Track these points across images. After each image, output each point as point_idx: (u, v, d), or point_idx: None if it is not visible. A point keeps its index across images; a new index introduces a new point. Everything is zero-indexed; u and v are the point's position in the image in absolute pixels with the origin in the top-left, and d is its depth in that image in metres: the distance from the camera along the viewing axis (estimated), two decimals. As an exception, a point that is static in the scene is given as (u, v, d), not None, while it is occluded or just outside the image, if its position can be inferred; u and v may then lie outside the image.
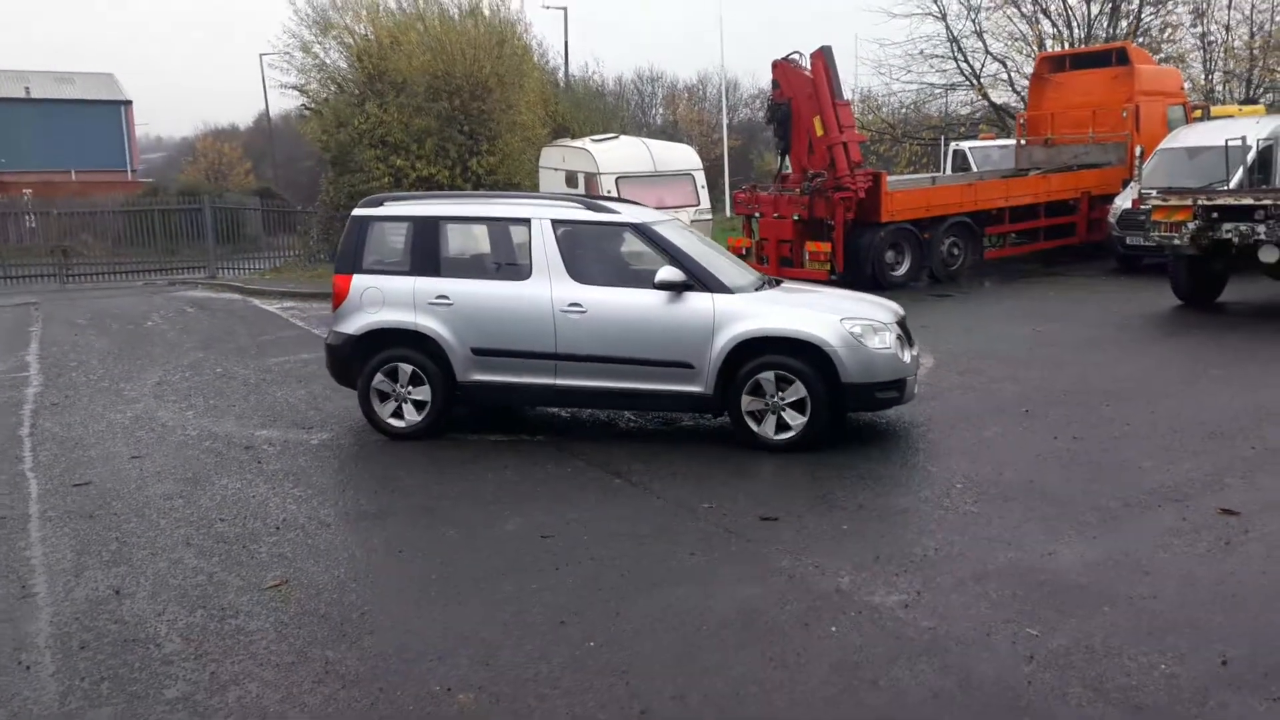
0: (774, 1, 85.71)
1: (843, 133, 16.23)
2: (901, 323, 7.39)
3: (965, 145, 24.00)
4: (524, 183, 23.55)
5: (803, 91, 16.67)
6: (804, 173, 16.92)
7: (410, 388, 7.55)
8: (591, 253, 7.53)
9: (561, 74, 34.79)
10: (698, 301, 7.08)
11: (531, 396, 7.68)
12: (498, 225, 7.78)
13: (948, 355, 10.29)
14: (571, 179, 20.78)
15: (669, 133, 43.86)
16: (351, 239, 7.85)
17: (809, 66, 16.49)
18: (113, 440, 7.88)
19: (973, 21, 29.92)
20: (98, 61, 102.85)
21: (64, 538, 5.64)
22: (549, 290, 7.28)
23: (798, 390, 6.92)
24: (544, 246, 7.37)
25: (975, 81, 30.77)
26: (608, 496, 6.26)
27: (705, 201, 20.24)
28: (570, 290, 7.26)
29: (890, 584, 4.77)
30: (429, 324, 7.44)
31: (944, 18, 29.75)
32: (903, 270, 16.85)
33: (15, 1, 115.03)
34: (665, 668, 4.04)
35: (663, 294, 7.09)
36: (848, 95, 17.42)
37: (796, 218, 16.68)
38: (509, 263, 7.61)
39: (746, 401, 7.01)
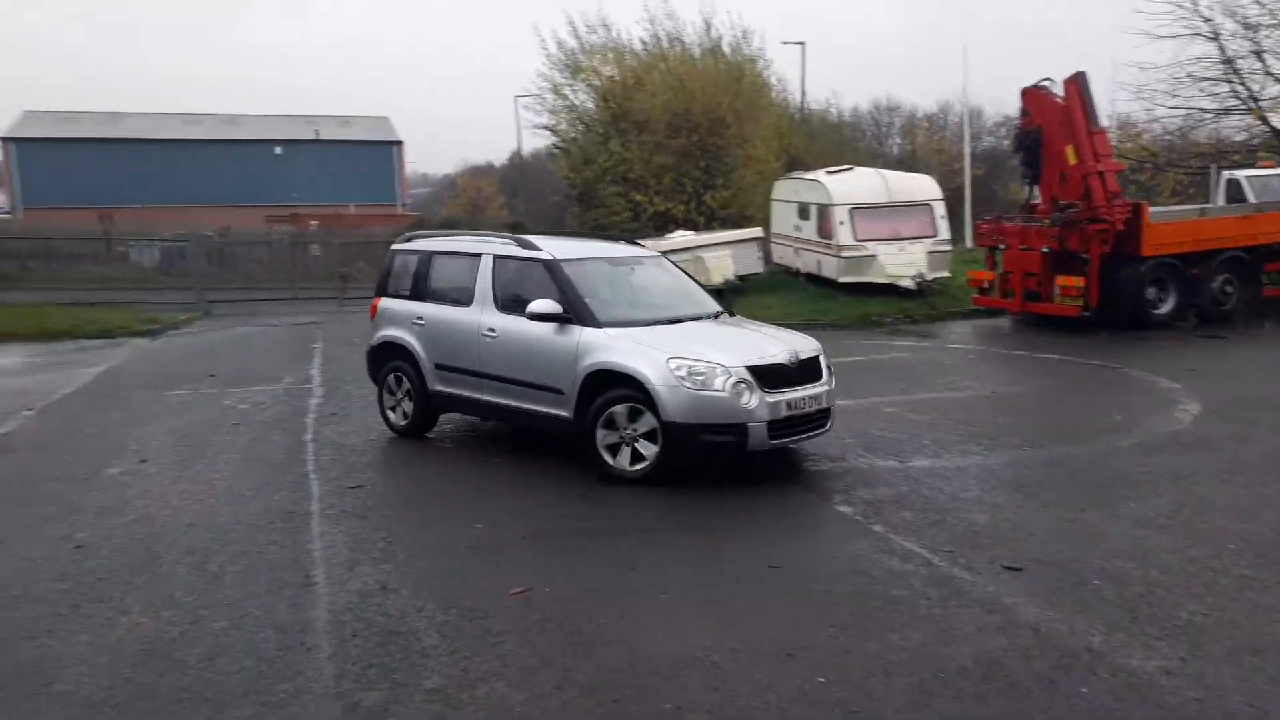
0: (1023, 27, 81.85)
1: (1099, 161, 15.30)
2: (761, 369, 7.09)
3: (1241, 174, 21.76)
4: (756, 215, 23.80)
5: (1054, 119, 15.86)
6: (1054, 203, 16.06)
7: (404, 394, 8.90)
8: (514, 285, 8.16)
9: (797, 107, 34.82)
10: (572, 333, 7.54)
11: (471, 408, 8.60)
12: (463, 259, 8.65)
13: (1218, 402, 9.39)
14: (804, 211, 20.76)
15: (906, 163, 42.78)
16: (384, 268, 9.44)
17: (1061, 93, 15.67)
18: (382, 448, 8.67)
19: (1250, 40, 27.21)
20: (375, 105, 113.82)
21: (340, 535, 6.27)
22: (479, 316, 8.20)
23: (649, 421, 7.07)
24: (484, 278, 8.29)
25: (1253, 105, 27.89)
26: (838, 530, 6.19)
27: (945, 233, 19.62)
28: (491, 317, 8.13)
29: (1149, 648, 4.41)
30: (409, 340, 8.78)
31: (1216, 38, 27.23)
32: (1166, 308, 15.59)
33: (309, 54, 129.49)
34: (897, 712, 3.95)
35: (551, 324, 7.58)
36: (1104, 122, 16.37)
37: (1045, 250, 15.86)
38: (462, 291, 8.48)
39: (602, 435, 7.27)
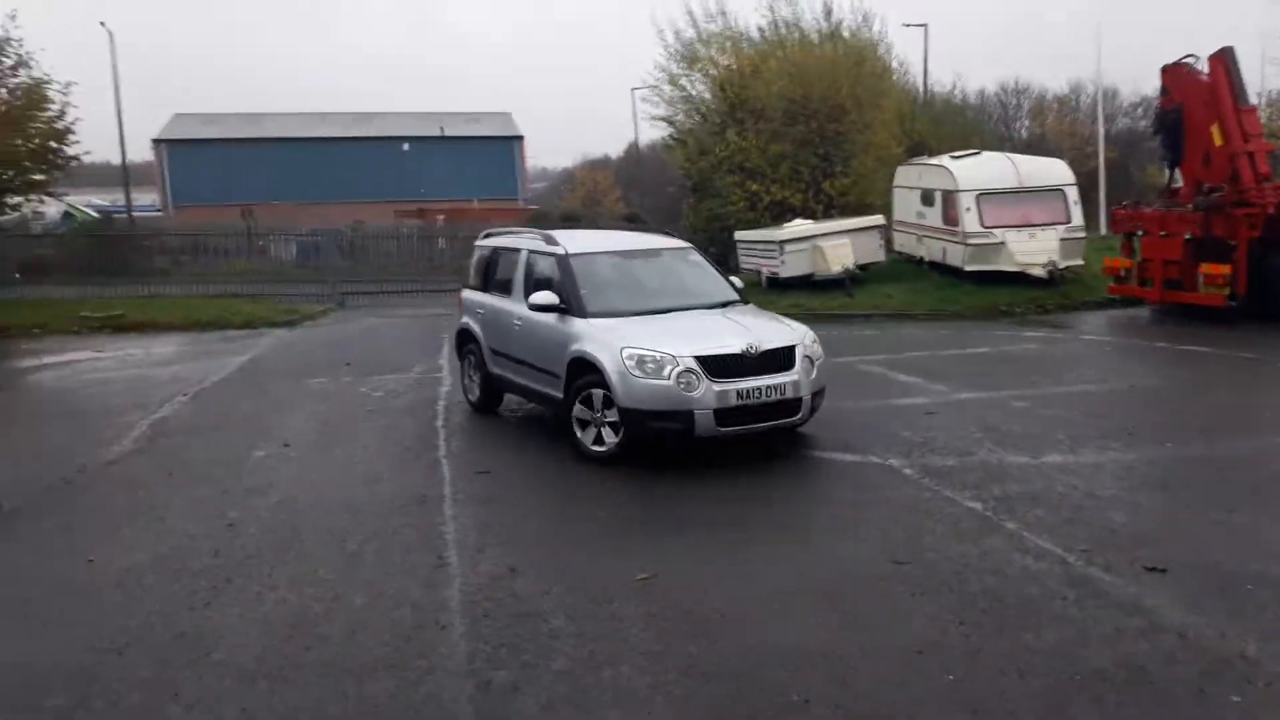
0: (1163, 2, 77.41)
1: (1248, 141, 14.42)
2: (710, 359, 7.33)
3: None
4: (876, 202, 23.31)
5: (1198, 98, 15.02)
6: (1197, 186, 15.22)
7: (475, 374, 9.80)
8: (539, 277, 8.75)
9: (920, 91, 33.91)
10: (567, 323, 8.11)
11: (512, 388, 9.29)
12: (512, 254, 9.46)
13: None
14: (928, 197, 20.23)
15: (1034, 146, 41.16)
16: (470, 264, 10.46)
17: (1206, 70, 14.80)
18: (506, 435, 8.91)
19: None
20: (498, 99, 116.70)
21: (469, 518, 6.48)
22: (514, 306, 8.93)
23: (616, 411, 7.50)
24: (520, 272, 9.05)
25: None
26: (967, 526, 6.03)
27: (1078, 219, 18.78)
28: (520, 307, 8.77)
29: (1309, 657, 4.16)
30: (475, 327, 9.75)
31: (1388, 3, 25.15)
32: (1325, 297, 14.53)
33: (438, 49, 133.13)
34: (1033, 714, 3.84)
35: (554, 314, 8.20)
36: (1253, 100, 15.37)
37: (1188, 236, 15.04)
38: (508, 284, 9.27)
39: (577, 410, 7.79)
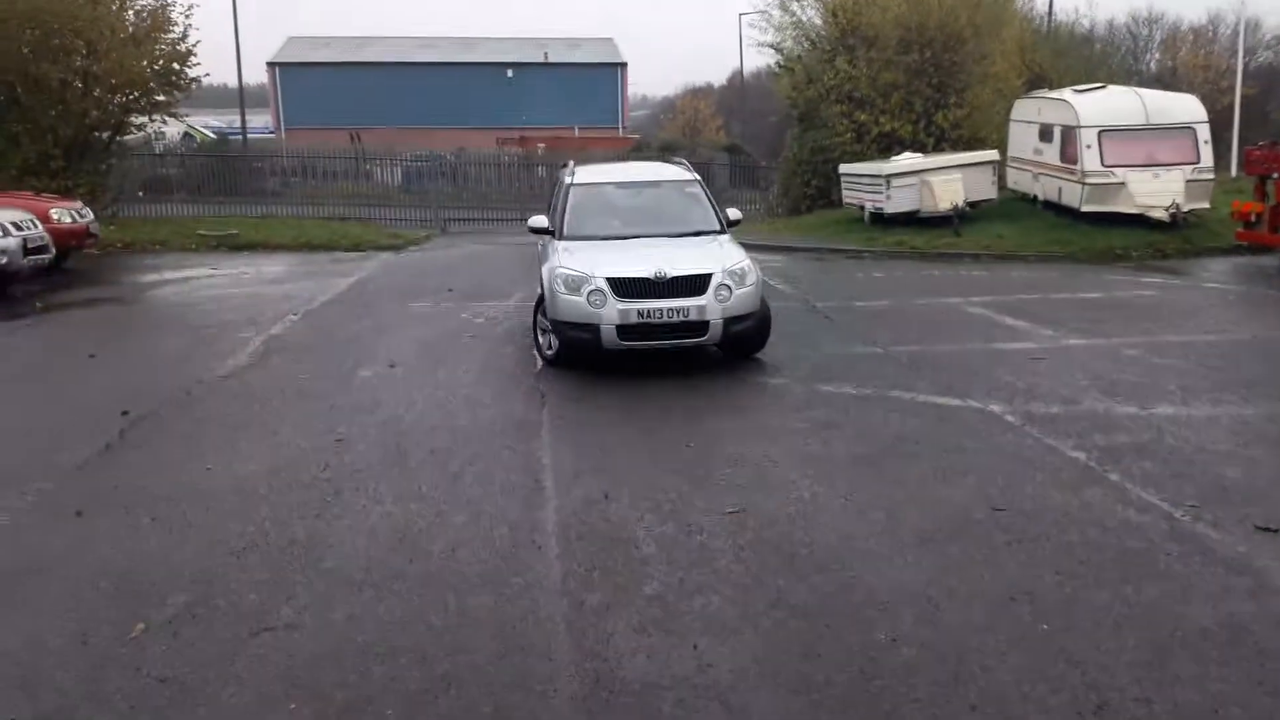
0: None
1: None
2: (619, 280, 8.20)
3: None
4: (990, 136, 22.43)
5: (1359, 27, 13.81)
6: (1348, 127, 14.11)
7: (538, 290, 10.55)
8: (558, 203, 9.77)
9: (1044, 20, 32.19)
10: (550, 244, 9.25)
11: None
12: (560, 184, 10.17)
13: None
14: (1046, 133, 19.35)
15: (1164, 81, 38.78)
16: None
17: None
18: (603, 365, 8.98)
19: None
20: (600, 25, 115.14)
21: (565, 445, 6.63)
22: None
23: None
24: (558, 198, 9.93)
25: None
26: (1069, 475, 5.88)
27: (1207, 159, 17.68)
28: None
29: None
30: (539, 248, 10.44)
31: None
32: None
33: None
34: (1128, 667, 3.77)
35: (547, 236, 9.40)
36: None
37: (1332, 181, 14.02)
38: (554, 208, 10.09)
39: (539, 323, 8.89)
